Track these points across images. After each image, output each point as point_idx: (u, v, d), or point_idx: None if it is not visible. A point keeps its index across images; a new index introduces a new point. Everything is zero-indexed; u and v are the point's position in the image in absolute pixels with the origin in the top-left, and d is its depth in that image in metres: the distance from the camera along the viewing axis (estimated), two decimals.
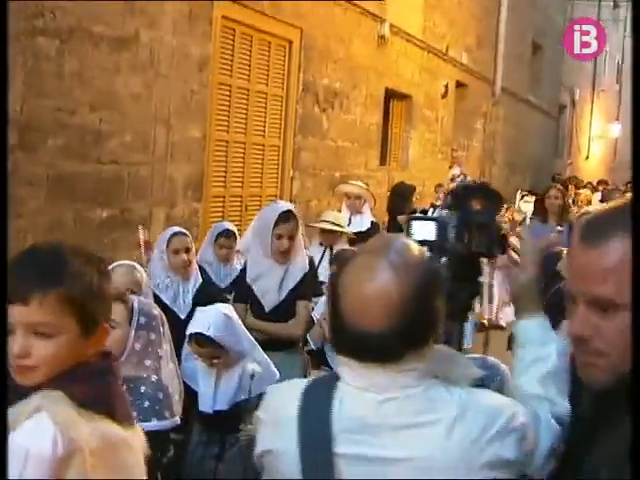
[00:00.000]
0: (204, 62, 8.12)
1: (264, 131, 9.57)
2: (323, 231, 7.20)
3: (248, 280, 5.25)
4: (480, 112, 18.47)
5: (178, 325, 4.42)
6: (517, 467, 1.88)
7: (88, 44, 6.61)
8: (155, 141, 7.54)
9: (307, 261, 5.44)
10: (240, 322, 4.36)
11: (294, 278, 5.23)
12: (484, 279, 2.41)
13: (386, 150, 13.67)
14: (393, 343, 1.81)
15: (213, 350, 4.09)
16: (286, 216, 5.18)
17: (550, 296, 4.43)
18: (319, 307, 5.38)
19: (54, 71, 6.27)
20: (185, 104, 7.90)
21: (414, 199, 10.28)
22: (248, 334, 4.35)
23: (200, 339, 4.06)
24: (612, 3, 34.34)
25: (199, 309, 4.39)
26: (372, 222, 8.31)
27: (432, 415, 1.83)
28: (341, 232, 7.19)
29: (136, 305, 3.36)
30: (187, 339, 4.16)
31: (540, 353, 2.13)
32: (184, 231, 5.56)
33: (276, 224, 5.13)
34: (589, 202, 13.92)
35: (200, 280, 5.45)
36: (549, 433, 2.02)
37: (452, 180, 15.86)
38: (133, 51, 7.14)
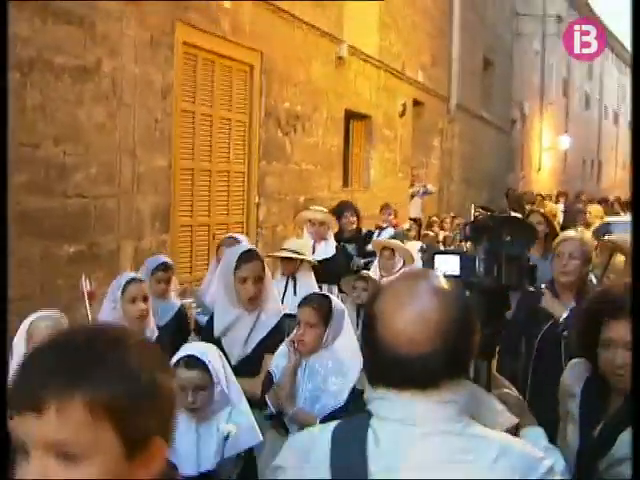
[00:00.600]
0: (167, 89, 7.95)
1: (229, 157, 9.41)
2: (284, 260, 6.81)
3: (216, 333, 4.73)
4: (437, 129, 18.50)
5: None
6: None
7: (50, 75, 6.40)
8: (121, 172, 7.33)
9: (280, 306, 5.05)
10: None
11: (265, 328, 4.76)
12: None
13: (348, 171, 13.57)
14: (433, 367, 1.77)
15: (200, 378, 3.63)
16: (248, 256, 4.75)
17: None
18: (277, 358, 4.49)
19: (16, 105, 6.04)
20: (149, 133, 7.71)
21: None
22: (237, 383, 3.90)
23: (191, 361, 3.64)
24: (556, 18, 34.83)
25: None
26: (337, 248, 7.93)
27: (475, 454, 1.75)
28: (302, 260, 6.78)
29: None
30: (174, 364, 3.69)
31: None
32: (140, 277, 5.12)
33: (237, 266, 4.67)
34: (554, 215, 13.89)
35: (157, 333, 4.95)
36: None
37: (413, 196, 15.88)
38: (95, 81, 6.95)
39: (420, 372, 1.77)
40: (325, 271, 7.04)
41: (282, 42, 10.41)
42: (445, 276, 2.04)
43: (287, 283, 6.74)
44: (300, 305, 4.45)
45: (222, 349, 4.39)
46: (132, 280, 4.91)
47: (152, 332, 4.90)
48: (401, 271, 7.39)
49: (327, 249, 7.77)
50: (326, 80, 11.89)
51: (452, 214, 14.79)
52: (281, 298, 6.55)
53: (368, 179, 14.34)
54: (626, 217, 15.52)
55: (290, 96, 10.75)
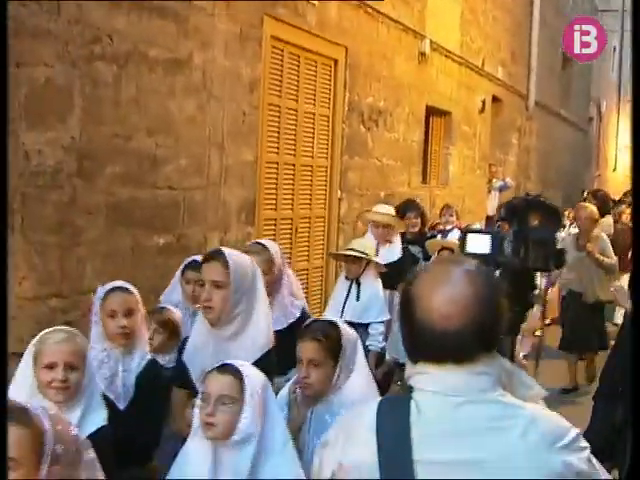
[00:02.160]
0: (255, 83, 7.99)
1: (312, 152, 9.42)
2: (349, 261, 6.59)
3: (184, 358, 3.87)
4: (515, 127, 18.30)
5: (116, 419, 3.43)
6: None
7: (144, 68, 6.48)
8: (209, 165, 7.39)
9: (270, 335, 3.85)
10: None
11: (243, 355, 3.54)
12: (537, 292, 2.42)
13: (427, 167, 13.49)
14: (469, 342, 1.93)
15: (232, 388, 3.06)
16: (211, 256, 3.90)
17: None
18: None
19: (112, 97, 6.13)
20: (237, 126, 7.76)
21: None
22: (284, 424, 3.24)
23: (228, 367, 3.13)
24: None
25: None
26: (403, 250, 7.56)
27: (508, 421, 1.91)
28: (369, 261, 6.55)
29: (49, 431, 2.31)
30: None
31: None
32: (127, 286, 4.13)
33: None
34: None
35: (148, 357, 4.08)
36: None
37: (490, 191, 15.71)
38: (187, 73, 7.01)
39: (455, 347, 1.93)
40: (389, 276, 6.67)
41: (366, 37, 10.39)
42: (474, 255, 2.28)
43: (350, 287, 6.53)
44: (300, 337, 3.59)
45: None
46: (113, 290, 4.02)
47: (142, 355, 4.04)
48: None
49: (392, 252, 7.41)
50: (408, 76, 11.84)
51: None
52: (342, 304, 6.51)
53: (447, 175, 14.25)
54: None
55: (373, 91, 10.72)
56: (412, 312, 1.99)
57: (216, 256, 3.79)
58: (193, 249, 7.19)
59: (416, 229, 8.39)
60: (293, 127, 8.94)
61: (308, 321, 3.87)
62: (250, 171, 8.03)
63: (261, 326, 3.77)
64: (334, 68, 9.76)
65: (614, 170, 32.76)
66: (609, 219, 12.79)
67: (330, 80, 9.72)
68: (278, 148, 8.67)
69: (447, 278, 1.98)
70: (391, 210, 7.84)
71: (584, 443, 1.98)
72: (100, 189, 6.08)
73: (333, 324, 3.68)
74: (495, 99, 16.55)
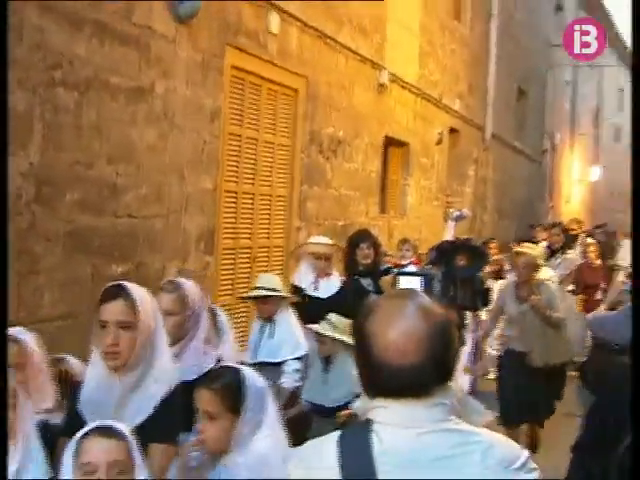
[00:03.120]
0: (216, 112, 8.00)
1: (272, 181, 9.44)
2: (259, 301, 6.25)
3: (80, 407, 3.38)
4: (472, 158, 18.49)
5: None
6: None
7: (106, 95, 6.46)
8: (169, 193, 7.37)
9: (175, 371, 3.46)
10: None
11: (146, 404, 3.25)
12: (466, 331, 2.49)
13: (385, 198, 13.57)
14: (426, 376, 1.96)
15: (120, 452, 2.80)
16: (113, 293, 3.34)
17: None
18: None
19: (72, 124, 6.10)
20: (197, 155, 7.76)
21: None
22: None
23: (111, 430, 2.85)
24: None
25: None
26: (344, 282, 7.25)
27: (466, 447, 1.97)
28: (281, 297, 6.25)
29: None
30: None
31: None
32: (17, 335, 3.76)
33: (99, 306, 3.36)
34: None
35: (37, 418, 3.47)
36: None
37: (446, 220, 15.78)
38: (149, 102, 7.01)
39: (413, 382, 1.96)
40: (330, 310, 6.29)
41: (326, 68, 10.47)
42: None
43: (264, 326, 6.22)
44: (196, 386, 3.19)
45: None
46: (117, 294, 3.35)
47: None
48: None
49: (330, 285, 7.09)
50: (367, 106, 11.94)
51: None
52: (257, 344, 6.22)
53: (405, 206, 14.33)
54: None
55: (333, 121, 10.79)
56: (368, 348, 1.99)
57: (120, 293, 3.31)
58: (152, 278, 7.15)
59: (369, 260, 7.78)
60: (253, 156, 8.96)
61: (210, 367, 3.47)
62: (210, 200, 8.02)
63: (164, 373, 3.35)
64: (295, 98, 9.81)
65: (567, 202, 33.18)
66: (573, 254, 12.67)
67: (290, 110, 9.76)
68: (238, 177, 8.68)
69: (401, 313, 2.00)
70: (329, 241, 7.53)
71: (534, 464, 2.05)
72: (59, 216, 6.03)
73: (235, 370, 3.24)
74: (452, 131, 16.73)
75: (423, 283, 2.17)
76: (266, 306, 6.20)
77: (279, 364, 6.09)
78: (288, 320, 6.23)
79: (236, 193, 8.68)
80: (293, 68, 9.56)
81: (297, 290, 7.04)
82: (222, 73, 8.09)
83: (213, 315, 4.77)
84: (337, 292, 6.97)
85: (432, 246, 8.60)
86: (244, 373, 3.22)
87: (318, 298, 6.92)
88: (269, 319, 6.18)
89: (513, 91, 22.39)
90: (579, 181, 34.46)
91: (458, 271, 2.07)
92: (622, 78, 44.14)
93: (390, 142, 13.42)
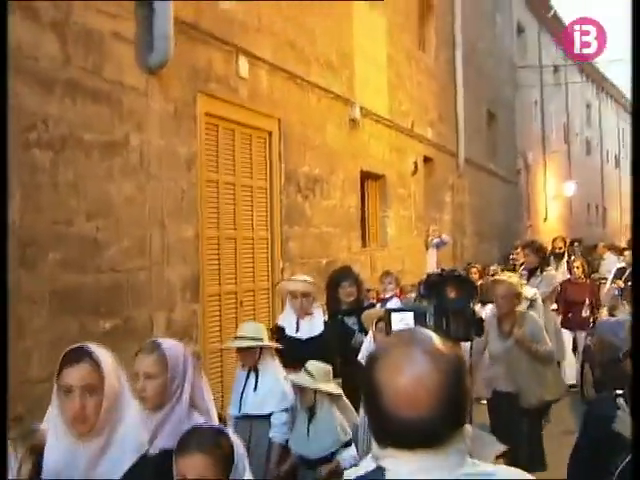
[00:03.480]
0: (191, 160, 8.02)
1: (252, 224, 9.44)
2: (241, 351, 5.97)
3: (44, 477, 3.19)
4: (447, 185, 18.60)
5: None
6: None
7: (80, 152, 6.46)
8: (151, 244, 7.35)
9: (144, 437, 3.29)
10: None
11: (112, 473, 3.10)
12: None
13: (366, 231, 13.60)
14: (439, 427, 1.87)
15: None
16: (76, 356, 3.20)
17: None
18: None
19: (49, 183, 6.09)
20: (176, 204, 7.76)
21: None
22: None
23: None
24: (552, 68, 35.28)
25: None
26: (326, 324, 6.86)
27: None
28: (263, 347, 5.92)
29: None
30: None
31: None
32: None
33: (60, 371, 3.18)
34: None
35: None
36: None
37: (427, 248, 15.82)
38: (124, 155, 7.02)
39: (426, 433, 1.87)
40: (312, 353, 6.11)
41: (297, 107, 10.53)
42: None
43: (248, 377, 5.93)
44: (179, 449, 2.92)
45: None
46: (80, 357, 3.23)
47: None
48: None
49: (313, 325, 6.73)
50: (341, 142, 12.00)
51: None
52: (240, 396, 5.94)
53: (385, 238, 14.37)
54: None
55: (308, 160, 10.83)
56: (377, 398, 1.91)
57: (83, 355, 3.19)
58: (140, 331, 7.13)
59: (352, 298, 7.54)
60: (232, 201, 8.97)
61: (189, 428, 3.15)
62: (192, 248, 8.01)
63: (132, 439, 3.20)
64: (268, 140, 9.85)
65: (545, 220, 33.36)
66: (552, 271, 12.23)
67: (265, 152, 9.80)
68: (218, 223, 8.68)
69: (409, 360, 1.91)
70: (308, 279, 7.13)
71: None
72: (43, 276, 6.01)
73: (221, 432, 3.06)
74: (426, 159, 16.84)
75: (415, 318, 2.19)
76: (248, 356, 5.92)
77: (266, 416, 5.85)
78: (273, 370, 5.94)
79: (218, 239, 8.68)
80: (265, 110, 9.61)
81: (280, 331, 6.80)
82: (195, 121, 8.11)
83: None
84: (319, 334, 6.66)
85: (420, 280, 8.42)
86: (230, 436, 3.03)
87: (298, 340, 6.65)
88: (253, 369, 5.90)
89: (483, 115, 22.60)
90: (555, 197, 34.65)
91: (449, 303, 2.10)
92: (588, 93, 44.70)
93: (366, 176, 13.48)
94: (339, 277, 7.80)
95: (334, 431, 5.68)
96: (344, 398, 5.98)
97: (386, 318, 2.49)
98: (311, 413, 5.74)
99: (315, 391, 5.68)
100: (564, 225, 36.12)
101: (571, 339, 11.63)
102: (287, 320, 6.83)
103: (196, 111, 8.13)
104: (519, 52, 29.80)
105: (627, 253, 15.38)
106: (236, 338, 6.08)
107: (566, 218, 37.18)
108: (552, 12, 32.62)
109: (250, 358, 5.90)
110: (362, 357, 6.39)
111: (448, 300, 2.45)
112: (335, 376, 6.06)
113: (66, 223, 6.29)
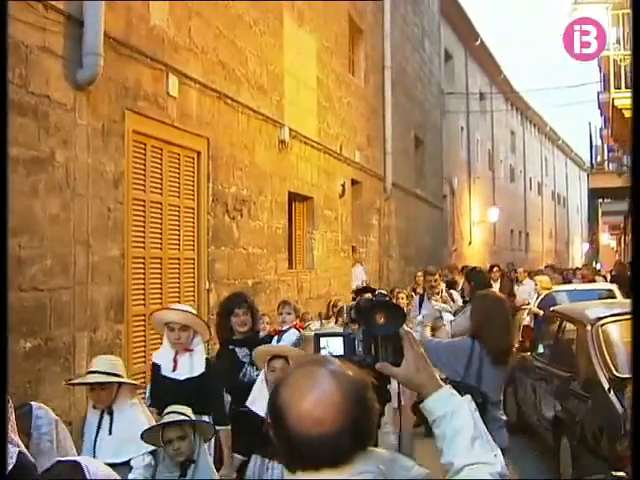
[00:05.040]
0: (118, 178, 7.90)
1: (179, 244, 9.35)
2: (95, 388, 5.20)
3: None
4: (374, 208, 18.71)
5: None
6: None
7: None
8: (75, 263, 7.21)
9: None
10: None
11: None
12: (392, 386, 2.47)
13: (292, 253, 13.58)
14: (343, 443, 1.87)
15: None
16: None
17: None
18: None
19: None
20: (102, 223, 7.63)
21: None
22: None
23: None
24: (478, 96, 35.93)
25: None
26: (207, 360, 6.05)
27: None
28: (120, 384, 5.21)
29: None
30: None
31: (455, 423, 2.19)
32: None
33: None
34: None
35: None
36: None
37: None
38: (49, 171, 6.88)
39: (330, 450, 1.88)
40: (190, 395, 5.50)
41: (227, 128, 10.49)
42: (332, 355, 2.29)
43: (101, 419, 5.18)
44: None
45: None
46: None
47: None
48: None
49: (193, 364, 5.93)
50: (270, 164, 11.99)
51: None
52: (94, 440, 5.17)
53: (312, 260, 14.38)
54: (570, 286, 15.81)
55: (236, 181, 10.79)
56: (282, 420, 1.91)
57: None
58: (61, 351, 6.98)
59: (246, 328, 6.81)
60: (158, 220, 8.87)
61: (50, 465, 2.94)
62: (117, 267, 7.88)
63: None
64: (197, 159, 9.78)
65: (470, 244, 33.83)
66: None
67: (193, 171, 9.73)
68: (144, 242, 8.57)
69: (313, 382, 1.93)
70: (188, 308, 6.41)
71: None
72: None
73: (73, 464, 2.86)
74: (354, 182, 16.93)
75: (345, 343, 2.22)
76: (103, 394, 5.15)
77: (124, 463, 5.05)
78: (131, 410, 5.21)
79: (144, 258, 8.57)
80: (194, 130, 9.54)
81: (154, 369, 6.13)
82: (123, 138, 8.01)
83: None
84: (200, 374, 5.88)
85: (349, 305, 8.27)
86: (84, 464, 2.83)
87: (175, 380, 5.88)
88: (107, 409, 5.16)
89: (410, 140, 22.85)
90: (479, 223, 35.19)
91: (378, 329, 2.11)
92: (513, 121, 45.59)
93: (294, 197, 13.49)
94: (232, 303, 7.00)
95: None
96: (225, 447, 5.75)
97: (315, 342, 2.48)
98: (184, 465, 4.98)
99: (194, 433, 5.01)
100: (488, 250, 36.69)
101: None
102: (163, 357, 6.05)
103: (124, 129, 8.03)
104: (447, 79, 30.29)
105: (538, 278, 15.67)
106: (88, 373, 5.29)
107: (490, 243, 37.77)
108: (479, 41, 33.26)
109: (104, 397, 5.14)
110: (251, 402, 5.76)
111: (377, 326, 2.47)
112: (224, 423, 5.74)
113: None
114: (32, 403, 4.08)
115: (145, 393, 6.44)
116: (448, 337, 7.59)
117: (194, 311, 6.29)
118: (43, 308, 6.79)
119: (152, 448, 5.08)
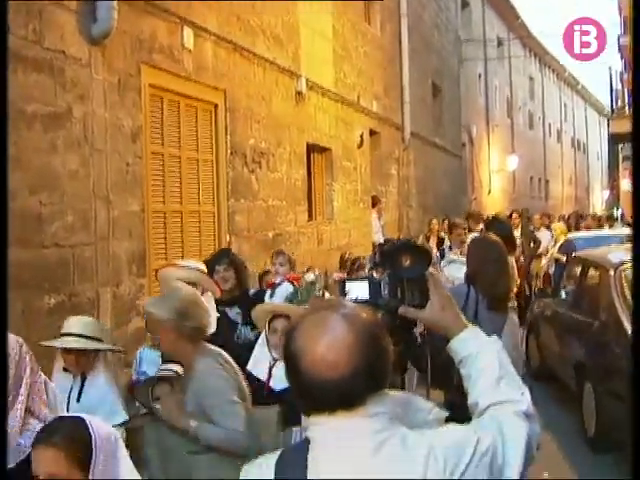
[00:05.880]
0: (136, 132, 7.88)
1: (198, 198, 9.34)
2: (71, 352, 4.69)
3: None
4: (393, 158, 18.62)
5: None
6: None
7: (22, 124, 6.30)
8: (96, 219, 7.23)
9: None
10: None
11: None
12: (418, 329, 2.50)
13: (312, 205, 13.56)
14: (357, 386, 1.90)
15: None
16: None
17: None
18: None
19: None
20: (122, 178, 7.63)
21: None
22: None
23: None
24: (496, 42, 35.51)
25: None
26: (218, 319, 5.60)
27: (405, 458, 1.89)
28: (98, 351, 4.79)
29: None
30: None
31: (481, 363, 2.20)
32: None
33: None
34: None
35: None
36: (521, 434, 2.06)
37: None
38: (67, 127, 6.87)
39: (344, 393, 1.90)
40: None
41: (243, 80, 10.42)
42: (356, 301, 2.33)
43: (72, 387, 4.71)
44: (32, 445, 2.71)
45: None
46: None
47: None
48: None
49: None
50: (287, 115, 11.93)
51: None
52: (66, 406, 4.44)
53: (331, 211, 14.35)
54: (589, 233, 15.72)
55: (254, 133, 10.75)
56: (296, 366, 1.94)
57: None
58: (85, 306, 7.02)
59: (228, 285, 6.36)
60: (177, 174, 8.86)
61: (50, 421, 2.88)
62: (138, 222, 7.90)
63: None
64: (214, 112, 9.73)
65: (489, 192, 33.65)
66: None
67: (211, 124, 9.69)
68: (164, 197, 8.57)
69: (326, 326, 1.94)
70: (194, 264, 5.94)
71: (484, 445, 1.96)
72: None
73: (75, 419, 2.76)
74: (372, 132, 16.83)
75: (370, 288, 2.23)
76: (81, 360, 4.72)
77: None
78: (103, 378, 4.79)
79: (164, 213, 8.57)
80: (210, 82, 9.49)
81: None
82: (139, 92, 7.97)
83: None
84: (212, 334, 5.11)
85: (374, 250, 8.08)
86: (88, 421, 2.71)
87: None
88: (81, 375, 4.73)
89: (428, 88, 22.64)
90: (498, 171, 34.98)
91: (404, 271, 2.10)
92: (531, 67, 45.07)
93: (312, 149, 13.44)
94: (213, 261, 6.54)
95: None
96: None
97: (339, 287, 2.49)
98: None
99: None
100: (507, 198, 36.51)
101: None
102: None
103: (140, 82, 7.99)
104: (464, 26, 29.90)
105: (554, 225, 15.55)
106: (62, 335, 4.78)
107: (509, 191, 37.57)
108: None
109: (83, 363, 4.72)
110: (252, 366, 5.27)
111: (403, 268, 2.45)
112: None
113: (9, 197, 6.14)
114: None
115: (136, 359, 6.09)
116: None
117: (202, 267, 5.80)
118: (66, 264, 6.82)
119: (122, 419, 4.70)
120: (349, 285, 2.45)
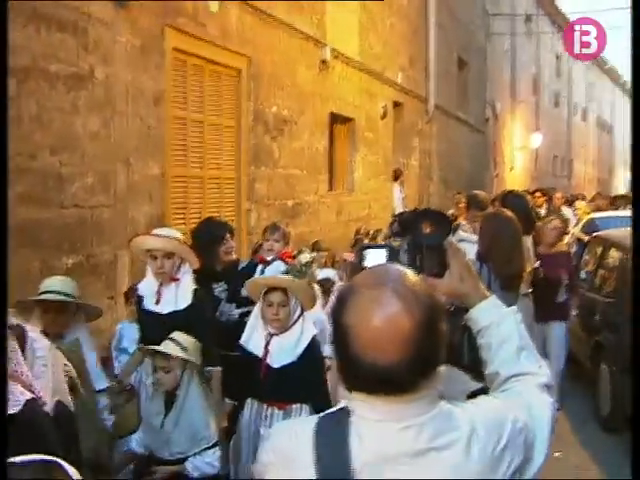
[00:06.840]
0: (159, 96, 7.84)
1: (219, 164, 9.31)
2: (49, 310, 4.59)
3: None
4: (416, 130, 18.49)
5: None
6: (525, 462, 1.94)
7: (44, 84, 6.28)
8: (116, 181, 7.21)
9: None
10: None
11: None
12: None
13: (333, 175, 13.49)
14: (408, 374, 1.80)
15: None
16: None
17: None
18: None
19: (12, 114, 5.91)
20: (143, 141, 7.61)
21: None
22: None
23: None
24: (524, 17, 35.11)
25: None
26: (195, 291, 5.13)
27: (449, 436, 1.84)
28: (77, 310, 4.74)
29: None
30: None
31: (501, 333, 2.16)
32: None
33: None
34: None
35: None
36: (547, 414, 2.05)
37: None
38: (89, 89, 6.84)
39: (395, 380, 1.80)
40: (172, 331, 4.76)
41: (268, 47, 10.34)
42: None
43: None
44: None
45: None
46: None
47: None
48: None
49: (178, 296, 5.09)
50: (311, 84, 11.84)
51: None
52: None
53: (352, 182, 14.28)
54: (612, 212, 15.57)
55: (277, 100, 10.68)
56: (346, 342, 1.81)
57: None
58: (103, 268, 7.03)
59: (230, 257, 6.16)
60: (199, 140, 8.82)
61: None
62: (158, 186, 7.88)
63: None
64: (238, 78, 9.66)
65: (511, 169, 33.40)
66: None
67: (234, 90, 9.63)
68: (185, 161, 8.54)
69: (377, 305, 1.80)
70: (173, 233, 5.35)
71: (521, 423, 1.94)
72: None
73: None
74: (396, 104, 16.70)
75: (389, 255, 2.16)
76: (59, 319, 4.60)
77: None
78: (85, 340, 4.65)
79: (184, 177, 8.54)
80: (235, 48, 9.42)
81: (138, 302, 5.36)
82: (163, 56, 7.92)
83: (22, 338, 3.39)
84: (185, 307, 5.06)
85: (393, 218, 7.94)
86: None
87: (157, 314, 5.09)
88: (59, 336, 4.50)
89: (454, 61, 22.43)
90: (521, 148, 34.70)
91: (425, 239, 2.04)
92: (558, 45, 44.58)
93: (335, 118, 13.34)
94: (219, 229, 6.17)
95: (200, 426, 4.62)
96: (215, 390, 5.02)
97: (358, 255, 2.42)
98: (170, 399, 4.65)
99: (183, 370, 4.61)
100: (529, 175, 36.25)
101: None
102: (146, 288, 5.23)
103: (164, 46, 7.94)
104: (492, 0, 29.57)
105: (577, 204, 15.47)
106: (42, 293, 4.69)
107: (531, 169, 37.30)
108: None
109: (60, 322, 4.60)
110: (245, 340, 5.09)
111: (423, 235, 2.39)
112: (213, 364, 5.01)
113: (29, 156, 6.14)
114: (23, 325, 3.61)
115: (115, 335, 6.24)
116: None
117: (180, 235, 5.34)
118: (84, 225, 6.82)
119: (104, 385, 4.65)
120: (367, 252, 2.39)
